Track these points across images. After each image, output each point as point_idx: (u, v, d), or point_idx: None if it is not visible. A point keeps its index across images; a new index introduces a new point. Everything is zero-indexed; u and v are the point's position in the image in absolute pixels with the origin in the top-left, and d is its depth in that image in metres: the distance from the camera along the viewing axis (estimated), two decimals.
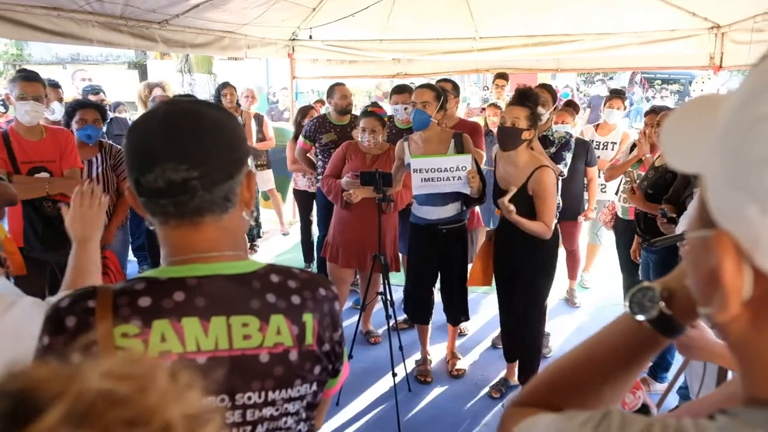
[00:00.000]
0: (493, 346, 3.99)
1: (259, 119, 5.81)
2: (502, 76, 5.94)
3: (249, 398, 0.88)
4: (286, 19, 5.56)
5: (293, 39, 6.23)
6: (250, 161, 0.98)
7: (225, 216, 0.90)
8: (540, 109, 3.12)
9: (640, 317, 0.65)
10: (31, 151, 3.07)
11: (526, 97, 2.92)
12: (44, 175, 3.07)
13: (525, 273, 3.06)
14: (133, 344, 0.81)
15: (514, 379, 3.46)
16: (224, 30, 5.29)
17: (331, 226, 3.75)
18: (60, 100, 4.55)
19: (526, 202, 2.90)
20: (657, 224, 3.07)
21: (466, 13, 5.39)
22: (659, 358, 3.27)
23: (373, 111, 3.77)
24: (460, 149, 3.24)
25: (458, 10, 5.31)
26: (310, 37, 5.91)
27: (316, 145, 4.45)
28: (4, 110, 3.19)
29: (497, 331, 4.11)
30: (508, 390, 3.43)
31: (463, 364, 3.71)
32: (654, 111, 3.95)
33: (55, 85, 4.55)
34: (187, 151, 0.85)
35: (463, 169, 3.08)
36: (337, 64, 6.52)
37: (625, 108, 4.84)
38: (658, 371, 3.40)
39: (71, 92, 5.38)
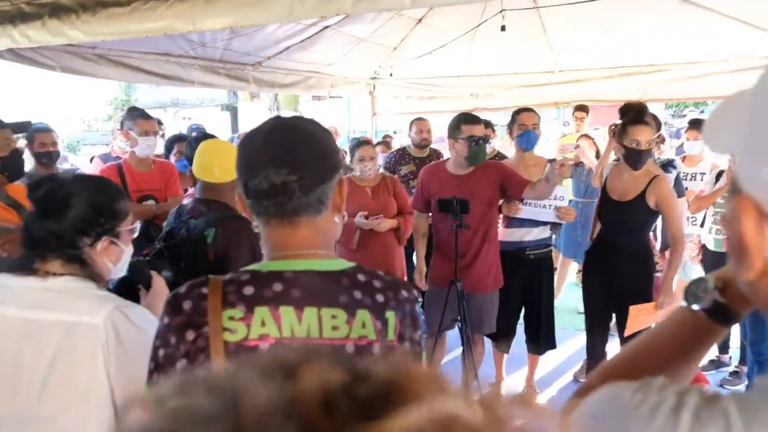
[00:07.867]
0: (575, 379, 3.86)
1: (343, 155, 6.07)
2: (582, 108, 5.87)
3: None
4: (368, 57, 5.83)
5: (374, 78, 6.49)
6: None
7: (318, 217, 1.01)
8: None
9: (695, 307, 0.68)
10: (141, 181, 3.43)
11: (644, 114, 3.01)
12: (151, 202, 3.40)
13: (625, 299, 2.98)
14: (237, 326, 0.93)
15: None
16: (311, 70, 5.63)
17: None
18: (162, 135, 5.01)
19: (646, 214, 3.00)
20: None
21: (545, 47, 5.42)
22: None
23: (366, 140, 3.89)
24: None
25: (537, 44, 5.35)
26: (391, 75, 6.14)
27: (396, 176, 4.59)
28: (128, 149, 3.57)
29: (579, 364, 3.97)
30: None
31: (541, 398, 3.61)
32: None
33: (158, 123, 5.00)
34: (287, 158, 0.97)
35: (561, 199, 3.18)
36: (416, 100, 6.70)
37: None
38: None
39: (173, 130, 5.88)
